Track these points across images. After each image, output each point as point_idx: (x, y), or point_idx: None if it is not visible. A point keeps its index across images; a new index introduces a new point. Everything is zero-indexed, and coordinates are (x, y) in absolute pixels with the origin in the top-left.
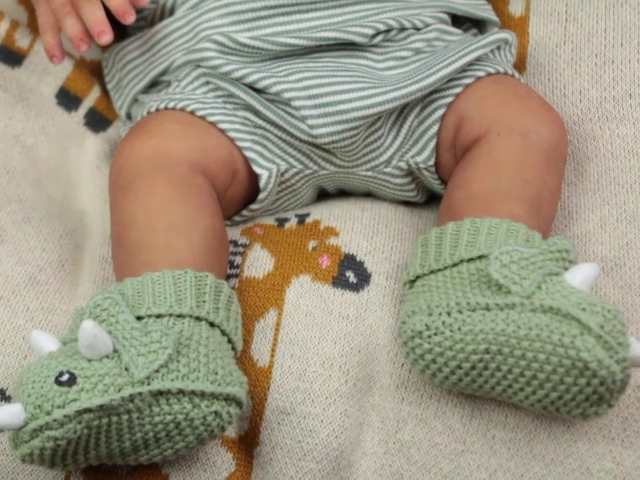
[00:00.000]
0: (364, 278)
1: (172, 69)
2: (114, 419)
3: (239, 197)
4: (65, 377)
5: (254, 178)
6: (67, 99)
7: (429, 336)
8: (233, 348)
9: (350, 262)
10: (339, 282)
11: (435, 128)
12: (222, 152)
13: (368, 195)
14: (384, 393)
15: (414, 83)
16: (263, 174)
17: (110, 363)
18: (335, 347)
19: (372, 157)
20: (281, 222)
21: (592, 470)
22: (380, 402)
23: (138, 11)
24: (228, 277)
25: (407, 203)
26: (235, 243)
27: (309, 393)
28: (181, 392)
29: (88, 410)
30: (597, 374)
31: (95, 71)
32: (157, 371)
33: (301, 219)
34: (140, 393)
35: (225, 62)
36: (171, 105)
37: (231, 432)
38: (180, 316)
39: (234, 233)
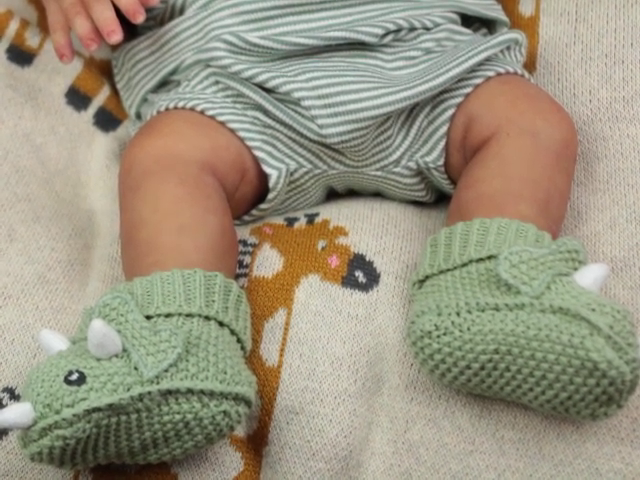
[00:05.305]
0: (373, 278)
1: (182, 68)
2: (123, 418)
3: (248, 197)
4: (74, 376)
5: (263, 178)
6: (77, 98)
7: (438, 336)
8: (242, 348)
9: (359, 262)
10: (348, 282)
11: (445, 128)
12: (231, 152)
13: (377, 195)
14: (393, 393)
15: (424, 83)
16: (272, 174)
17: (119, 362)
18: (344, 347)
19: (381, 157)
20: (290, 222)
21: (601, 470)
22: (389, 402)
23: (148, 10)
24: (237, 277)
25: (416, 203)
26: (244, 243)
27: (318, 393)
28: (190, 391)
29: (97, 409)
30: (606, 375)
31: (105, 70)
32: (166, 370)
33: (310, 219)
34: (149, 392)
35: (235, 62)
36: (181, 104)
37: (240, 431)
38: (189, 315)
39: (243, 233)
